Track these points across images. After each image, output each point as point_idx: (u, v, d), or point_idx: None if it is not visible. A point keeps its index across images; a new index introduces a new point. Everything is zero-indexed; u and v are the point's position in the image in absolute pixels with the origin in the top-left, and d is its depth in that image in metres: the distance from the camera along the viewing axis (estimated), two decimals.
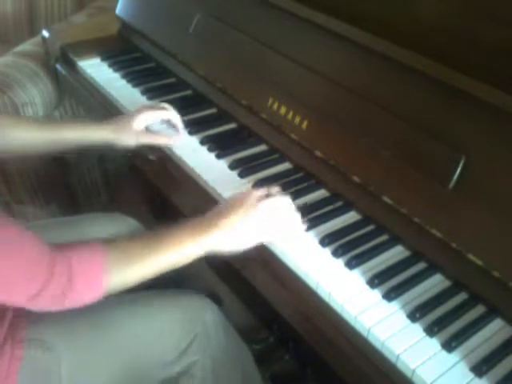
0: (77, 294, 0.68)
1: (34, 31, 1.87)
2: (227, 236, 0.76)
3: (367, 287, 0.75)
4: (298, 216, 0.81)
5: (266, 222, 0.78)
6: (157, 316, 0.87)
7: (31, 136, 0.97)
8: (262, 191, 0.81)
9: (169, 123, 1.08)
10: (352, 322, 0.71)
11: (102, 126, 1.01)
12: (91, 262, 0.69)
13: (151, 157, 1.04)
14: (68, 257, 0.67)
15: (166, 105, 1.07)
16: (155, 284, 0.95)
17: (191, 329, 0.88)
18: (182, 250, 0.74)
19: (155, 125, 1.07)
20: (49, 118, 1.08)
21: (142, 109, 1.04)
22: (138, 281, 0.73)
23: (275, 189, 0.85)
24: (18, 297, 0.65)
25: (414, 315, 0.70)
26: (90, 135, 0.99)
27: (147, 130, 1.05)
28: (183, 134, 1.06)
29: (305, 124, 0.94)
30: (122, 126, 1.00)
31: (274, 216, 0.78)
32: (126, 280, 0.72)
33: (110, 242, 0.72)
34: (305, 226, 0.83)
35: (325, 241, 0.81)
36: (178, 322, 0.88)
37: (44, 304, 0.67)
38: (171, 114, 1.05)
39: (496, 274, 0.70)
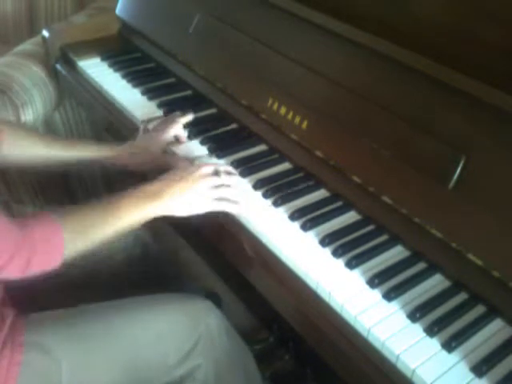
0: (38, 264, 0.72)
1: (34, 31, 1.86)
2: (166, 204, 0.82)
3: (367, 287, 0.75)
4: (237, 196, 0.87)
5: (201, 195, 0.84)
6: (159, 319, 0.87)
7: (45, 155, 0.99)
8: (209, 168, 0.88)
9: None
10: (352, 321, 0.71)
11: (117, 151, 1.01)
12: (51, 235, 0.73)
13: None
14: (30, 232, 0.71)
15: (176, 118, 1.05)
16: (156, 285, 0.95)
17: (194, 332, 0.87)
18: (126, 217, 0.80)
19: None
20: (64, 139, 1.10)
21: (159, 131, 1.02)
22: (89, 247, 0.77)
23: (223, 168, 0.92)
24: None
25: (414, 315, 0.70)
26: (105, 158, 1.01)
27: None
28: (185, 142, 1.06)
29: (305, 124, 0.94)
30: (144, 153, 1.00)
31: (211, 192, 0.85)
32: (78, 247, 0.76)
33: (60, 212, 0.77)
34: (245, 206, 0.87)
35: (325, 241, 0.81)
36: (181, 325, 0.87)
37: (8, 274, 0.70)
38: (177, 130, 1.04)
39: (496, 273, 0.70)
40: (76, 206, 0.80)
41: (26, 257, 0.70)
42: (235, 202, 0.86)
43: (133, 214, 0.80)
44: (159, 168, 0.97)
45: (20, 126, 1.16)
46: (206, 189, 0.85)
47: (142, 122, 1.10)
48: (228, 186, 0.88)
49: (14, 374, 0.73)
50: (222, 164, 0.95)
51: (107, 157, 1.00)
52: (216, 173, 0.89)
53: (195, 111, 1.15)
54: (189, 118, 1.07)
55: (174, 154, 0.99)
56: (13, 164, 0.99)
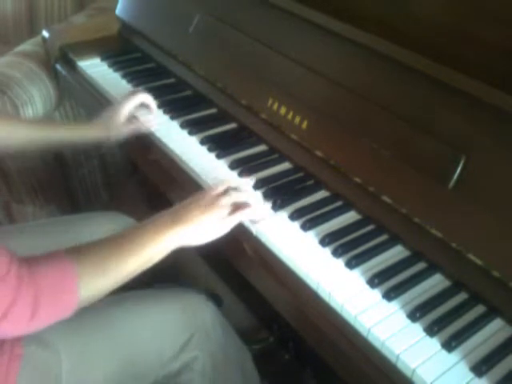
0: (46, 312, 0.64)
1: (34, 31, 1.86)
2: (187, 231, 0.77)
3: (367, 287, 0.75)
4: (256, 212, 0.84)
5: (218, 217, 0.80)
6: (155, 314, 0.87)
7: (28, 135, 1.02)
8: (223, 187, 0.83)
9: (144, 107, 1.12)
10: (352, 321, 0.71)
11: (93, 125, 1.07)
12: (62, 276, 0.65)
13: (151, 157, 1.04)
14: (35, 273, 0.63)
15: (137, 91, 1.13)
16: (155, 282, 0.95)
17: (190, 326, 0.88)
18: (148, 250, 0.73)
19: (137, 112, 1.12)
20: (46, 119, 1.15)
21: (122, 102, 1.08)
22: (110, 289, 0.71)
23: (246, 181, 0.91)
24: None
25: (414, 315, 0.70)
26: (83, 135, 1.06)
27: (133, 118, 1.10)
28: (156, 113, 1.12)
29: (305, 124, 0.94)
30: (110, 123, 1.05)
31: (232, 210, 0.82)
32: (97, 289, 0.69)
33: (74, 250, 0.69)
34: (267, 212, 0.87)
35: (325, 241, 0.81)
36: (177, 319, 0.88)
37: (14, 324, 0.62)
38: (143, 97, 1.10)
39: (496, 273, 0.70)
40: (89, 243, 0.71)
41: (32, 302, 0.61)
42: (247, 207, 0.83)
43: (154, 243, 0.74)
44: (126, 136, 1.06)
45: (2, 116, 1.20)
46: (222, 210, 0.80)
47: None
48: (245, 203, 0.84)
49: (14, 368, 0.73)
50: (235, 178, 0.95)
51: (85, 137, 1.06)
52: (231, 189, 0.85)
53: (195, 111, 1.15)
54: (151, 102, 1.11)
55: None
56: (2, 150, 1.03)
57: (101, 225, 1.02)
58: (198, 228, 0.78)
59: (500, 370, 0.65)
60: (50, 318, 0.66)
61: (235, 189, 0.85)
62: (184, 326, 0.88)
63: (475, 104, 0.73)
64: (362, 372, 0.68)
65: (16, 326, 0.63)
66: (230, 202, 0.81)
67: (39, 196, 1.57)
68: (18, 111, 1.34)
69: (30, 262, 0.64)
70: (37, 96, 1.39)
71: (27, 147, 1.05)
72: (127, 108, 1.07)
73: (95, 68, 1.32)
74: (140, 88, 1.20)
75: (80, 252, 0.69)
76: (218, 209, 0.79)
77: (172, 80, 1.28)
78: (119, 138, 1.07)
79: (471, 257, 0.72)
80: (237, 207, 0.82)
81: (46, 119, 1.16)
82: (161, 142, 1.06)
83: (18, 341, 0.75)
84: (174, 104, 1.17)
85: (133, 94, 1.10)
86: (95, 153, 1.69)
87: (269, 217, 0.86)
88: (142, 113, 1.11)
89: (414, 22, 0.88)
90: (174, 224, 0.76)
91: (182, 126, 1.10)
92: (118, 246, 0.72)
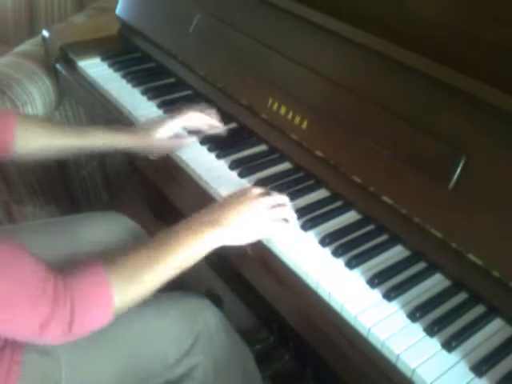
0: (83, 322, 0.64)
1: (34, 31, 1.86)
2: (229, 231, 0.75)
3: (367, 287, 0.75)
4: (292, 214, 0.83)
5: (263, 217, 0.78)
6: (157, 318, 0.87)
7: (57, 143, 0.96)
8: (260, 189, 0.81)
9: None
10: (352, 321, 0.71)
11: (135, 132, 1.00)
12: (95, 287, 0.65)
13: (151, 157, 1.04)
14: (70, 285, 0.63)
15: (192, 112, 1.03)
16: None
17: (193, 330, 0.87)
18: (186, 252, 0.72)
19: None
20: (80, 127, 1.08)
21: (174, 116, 1.00)
22: (147, 294, 0.70)
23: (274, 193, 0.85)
24: (24, 328, 0.61)
25: (414, 315, 0.70)
26: (120, 142, 0.98)
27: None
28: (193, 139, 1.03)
29: (305, 124, 0.94)
30: (149, 134, 0.98)
31: (270, 213, 0.79)
32: (133, 297, 0.68)
33: (110, 259, 0.68)
34: (297, 224, 0.84)
35: (325, 241, 0.81)
36: (180, 323, 0.87)
37: (53, 335, 0.63)
38: (201, 118, 1.02)
39: (496, 273, 0.70)
40: (124, 249, 0.70)
41: (68, 315, 0.62)
42: (288, 221, 0.82)
43: (192, 245, 0.72)
44: (162, 152, 0.99)
45: (32, 116, 1.13)
46: (263, 210, 0.78)
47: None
48: (283, 204, 0.82)
49: (14, 374, 0.73)
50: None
51: (120, 145, 0.98)
52: (267, 193, 0.83)
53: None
54: (218, 127, 1.03)
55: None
56: (27, 155, 0.96)
57: (100, 225, 1.02)
58: (239, 229, 0.76)
59: (500, 370, 0.65)
60: (87, 329, 0.66)
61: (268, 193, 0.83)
62: (187, 331, 0.87)
63: (475, 104, 0.73)
64: (362, 372, 0.68)
65: (54, 337, 0.63)
66: (270, 203, 0.79)
67: (39, 196, 1.57)
68: (17, 111, 1.34)
69: (65, 274, 0.64)
70: (37, 96, 1.39)
71: (63, 155, 1.02)
72: (173, 125, 0.99)
73: (95, 68, 1.32)
74: (203, 105, 1.08)
75: (115, 262, 0.68)
76: (259, 209, 0.77)
77: (172, 80, 1.28)
78: (159, 151, 0.99)
79: (471, 257, 0.72)
80: (278, 212, 0.80)
81: (78, 127, 1.06)
82: None
83: (17, 347, 0.75)
84: (175, 104, 1.17)
85: (192, 110, 1.02)
86: (95, 153, 1.69)
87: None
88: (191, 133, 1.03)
89: (413, 21, 0.88)
90: (209, 226, 0.74)
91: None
92: (153, 254, 0.70)
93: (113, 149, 0.98)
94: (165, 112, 1.14)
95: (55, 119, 1.28)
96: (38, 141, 0.94)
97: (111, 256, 0.69)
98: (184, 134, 1.04)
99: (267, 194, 0.82)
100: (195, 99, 1.20)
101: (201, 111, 1.03)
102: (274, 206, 0.80)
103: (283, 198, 0.83)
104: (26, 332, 0.62)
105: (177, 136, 1.01)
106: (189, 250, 0.72)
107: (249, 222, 0.77)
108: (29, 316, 0.60)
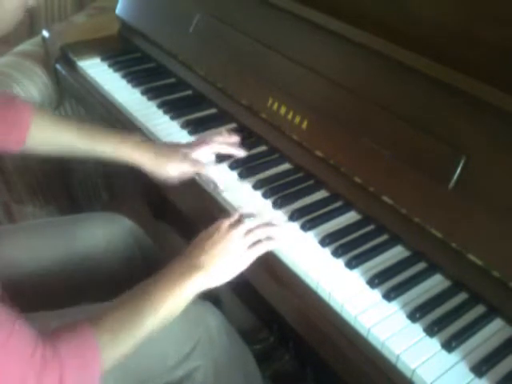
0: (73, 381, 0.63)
1: (34, 31, 1.86)
2: (210, 275, 0.75)
3: (367, 287, 0.75)
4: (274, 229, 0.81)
5: (238, 250, 0.77)
6: None
7: (71, 141, 0.94)
8: (229, 220, 0.80)
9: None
10: (352, 321, 0.71)
11: (146, 154, 0.94)
12: (84, 352, 0.64)
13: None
14: (58, 349, 0.62)
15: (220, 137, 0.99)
16: None
17: (193, 334, 0.87)
18: (169, 307, 0.71)
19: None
20: (90, 125, 0.99)
21: (191, 147, 0.96)
22: (133, 349, 0.70)
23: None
24: None
25: (414, 315, 0.70)
26: (131, 158, 0.93)
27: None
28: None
29: (305, 124, 0.94)
30: (165, 162, 0.93)
31: (245, 242, 0.78)
32: (120, 355, 0.68)
33: (96, 319, 0.68)
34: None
35: (325, 241, 0.81)
36: (180, 326, 0.87)
37: None
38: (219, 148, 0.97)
39: (496, 273, 0.70)
40: (108, 308, 0.70)
41: (57, 380, 0.61)
42: (270, 239, 0.80)
43: (174, 296, 0.71)
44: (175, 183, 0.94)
45: (47, 111, 1.09)
46: (237, 242, 0.77)
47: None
48: (257, 226, 0.80)
49: None
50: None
51: (131, 161, 0.94)
52: (238, 220, 0.81)
53: (195, 111, 1.15)
54: (239, 152, 0.99)
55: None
56: (40, 150, 0.95)
57: (100, 226, 1.02)
58: (215, 271, 0.75)
59: (500, 369, 0.65)
60: None
61: (250, 214, 0.82)
62: (188, 334, 0.87)
63: (475, 104, 0.73)
64: (362, 372, 0.68)
65: None
66: (243, 232, 0.78)
67: (39, 196, 1.57)
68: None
69: (53, 339, 0.63)
70: (37, 96, 1.39)
71: (65, 155, 0.97)
72: (196, 154, 0.95)
73: (95, 68, 1.32)
74: (221, 129, 1.04)
75: (100, 323, 0.67)
76: (234, 242, 0.76)
77: (172, 80, 1.28)
78: (167, 181, 0.94)
79: (471, 257, 0.72)
80: (254, 235, 0.79)
81: (91, 125, 0.99)
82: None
83: None
84: (174, 104, 1.17)
85: (206, 142, 0.97)
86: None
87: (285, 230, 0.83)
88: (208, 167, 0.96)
89: (414, 21, 0.88)
90: (190, 273, 0.73)
91: (182, 126, 1.10)
92: (137, 309, 0.69)
93: (124, 163, 0.94)
94: (165, 112, 1.14)
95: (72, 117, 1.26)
96: (48, 132, 0.93)
97: (98, 316, 0.68)
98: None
99: (238, 221, 0.80)
100: (195, 99, 1.20)
101: (222, 140, 0.98)
102: (247, 233, 0.78)
103: (255, 221, 0.81)
104: None
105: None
106: (171, 303, 0.71)
107: (226, 259, 0.76)
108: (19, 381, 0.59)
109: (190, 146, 0.98)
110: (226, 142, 0.99)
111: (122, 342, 0.68)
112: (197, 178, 0.96)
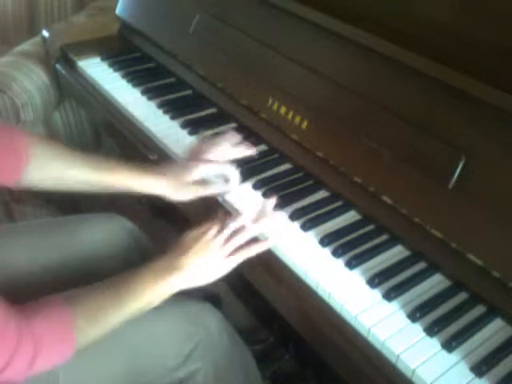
0: (45, 359, 0.65)
1: (33, 31, 1.86)
2: (188, 276, 0.76)
3: (367, 287, 0.75)
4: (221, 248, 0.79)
5: (217, 257, 0.78)
6: (158, 322, 0.86)
7: (84, 178, 0.87)
8: (216, 225, 0.80)
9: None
10: (352, 321, 0.71)
11: (160, 181, 0.88)
12: (60, 326, 0.66)
13: (151, 157, 1.04)
14: (33, 324, 0.63)
15: (222, 145, 0.94)
16: None
17: (193, 335, 0.87)
18: (146, 299, 0.73)
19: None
20: (102, 158, 0.88)
21: (198, 161, 0.91)
22: (106, 333, 0.71)
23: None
24: None
25: (414, 315, 0.70)
26: (146, 188, 0.88)
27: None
28: (237, 178, 0.93)
29: (305, 124, 0.94)
30: (179, 180, 0.89)
31: (224, 250, 0.79)
32: (94, 336, 0.70)
33: (74, 298, 0.70)
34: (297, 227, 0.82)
35: (325, 241, 0.81)
36: (180, 328, 0.87)
37: (15, 371, 0.62)
38: (227, 168, 0.92)
39: (496, 274, 0.70)
40: (86, 288, 0.71)
41: (31, 353, 0.62)
42: (258, 241, 0.81)
43: (152, 291, 0.74)
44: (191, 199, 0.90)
45: (51, 142, 0.90)
46: (216, 253, 0.78)
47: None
48: (238, 231, 0.80)
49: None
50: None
51: (148, 189, 0.89)
52: (223, 226, 0.80)
53: (195, 111, 1.15)
54: (248, 151, 0.96)
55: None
56: (37, 183, 0.86)
57: (99, 226, 1.02)
58: (195, 273, 0.77)
59: (500, 369, 0.65)
60: (47, 365, 0.67)
61: (237, 216, 0.82)
62: (188, 335, 0.87)
63: (475, 104, 0.73)
64: (362, 372, 0.68)
65: (15, 375, 0.63)
66: (222, 240, 0.79)
67: (39, 196, 1.57)
68: (17, 111, 1.34)
69: (27, 312, 0.64)
70: (37, 96, 1.39)
71: (77, 190, 0.89)
72: (203, 171, 0.90)
73: (95, 68, 1.32)
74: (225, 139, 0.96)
75: (77, 301, 0.69)
76: (211, 254, 0.78)
77: (172, 80, 1.28)
78: (184, 200, 0.90)
79: (471, 257, 0.72)
80: (231, 245, 0.79)
81: (103, 158, 0.89)
82: (161, 142, 1.06)
83: None
84: (174, 104, 1.17)
85: (214, 153, 0.92)
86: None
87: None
88: (217, 179, 0.93)
89: (414, 22, 0.88)
90: (169, 273, 0.75)
91: (183, 125, 1.10)
92: (115, 295, 0.72)
93: (141, 192, 0.89)
94: (165, 112, 1.14)
95: (50, 127, 1.22)
96: (51, 168, 0.85)
97: (75, 295, 0.70)
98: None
99: (222, 228, 0.80)
100: (195, 99, 1.20)
101: (228, 142, 0.94)
102: (226, 241, 0.79)
103: (237, 224, 0.80)
104: None
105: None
106: (148, 296, 0.73)
107: (205, 265, 0.78)
108: None
109: (200, 164, 0.91)
110: (234, 145, 0.95)
111: (98, 324, 0.69)
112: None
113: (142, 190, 0.88)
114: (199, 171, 0.89)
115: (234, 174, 0.92)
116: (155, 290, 0.74)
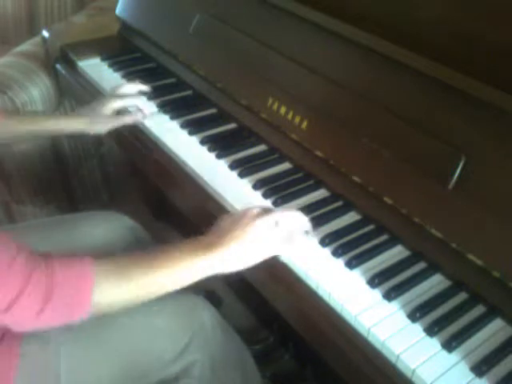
0: (57, 307, 0.62)
1: (33, 31, 1.87)
2: (231, 255, 0.71)
3: (367, 287, 0.75)
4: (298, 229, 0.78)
5: (264, 239, 0.74)
6: (154, 315, 0.87)
7: (15, 129, 1.06)
8: (257, 209, 0.77)
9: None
10: (352, 321, 0.71)
11: (78, 118, 1.10)
12: (78, 273, 0.63)
13: (151, 157, 1.04)
14: (51, 265, 0.62)
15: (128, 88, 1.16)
16: None
17: (188, 329, 0.87)
18: (178, 271, 0.69)
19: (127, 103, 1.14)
20: (31, 112, 1.27)
21: (109, 95, 1.14)
22: (128, 303, 0.68)
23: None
24: None
25: (414, 315, 0.70)
26: (68, 127, 1.09)
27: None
28: (147, 107, 1.13)
29: (305, 124, 0.94)
30: (94, 116, 1.09)
31: (275, 232, 0.75)
32: (113, 300, 0.66)
33: (102, 258, 0.67)
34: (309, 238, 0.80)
35: (325, 241, 0.81)
36: (175, 321, 0.88)
37: (23, 313, 0.60)
38: (135, 100, 1.13)
39: (496, 274, 0.70)
40: (121, 254, 0.69)
41: (43, 293, 0.59)
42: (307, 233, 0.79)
43: (188, 262, 0.69)
44: (110, 129, 1.09)
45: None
46: (267, 230, 0.74)
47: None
48: (286, 221, 0.76)
49: (13, 366, 0.73)
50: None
51: (70, 128, 1.10)
52: (268, 210, 0.77)
53: (195, 111, 1.15)
54: (144, 87, 1.17)
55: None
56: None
57: (100, 224, 1.02)
58: (236, 251, 0.72)
59: (500, 369, 0.65)
60: (56, 317, 0.64)
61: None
62: (182, 329, 0.87)
63: (475, 104, 0.73)
64: (362, 372, 0.68)
65: (21, 318, 0.61)
66: (272, 222, 0.74)
67: (39, 196, 1.57)
68: (17, 111, 1.34)
69: (50, 255, 0.63)
70: (37, 96, 1.39)
71: (13, 140, 1.17)
72: (113, 102, 1.10)
73: (95, 68, 1.32)
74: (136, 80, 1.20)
75: (106, 262, 0.67)
76: (259, 230, 0.73)
77: (172, 80, 1.28)
78: (101, 132, 1.10)
79: (471, 257, 0.72)
80: (281, 229, 0.75)
81: (31, 112, 1.25)
82: (160, 141, 1.06)
83: (16, 339, 0.75)
84: (174, 104, 1.17)
85: (121, 86, 1.15)
86: (95, 152, 1.69)
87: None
88: (132, 104, 1.13)
89: (413, 21, 0.88)
90: (209, 249, 0.70)
91: (182, 125, 1.10)
92: (146, 262, 0.68)
93: (62, 133, 1.12)
94: (165, 112, 1.14)
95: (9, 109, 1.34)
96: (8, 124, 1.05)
97: (105, 256, 0.68)
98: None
99: (267, 211, 0.76)
100: (195, 99, 1.20)
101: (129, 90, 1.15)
102: (277, 223, 0.75)
103: (289, 213, 0.77)
104: None
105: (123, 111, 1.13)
106: (181, 269, 0.69)
107: (248, 245, 0.73)
108: None
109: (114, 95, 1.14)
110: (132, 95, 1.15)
111: (118, 289, 0.66)
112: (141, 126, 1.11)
113: (69, 128, 1.09)
114: (112, 104, 1.10)
115: (143, 103, 1.14)
116: (192, 261, 0.69)
